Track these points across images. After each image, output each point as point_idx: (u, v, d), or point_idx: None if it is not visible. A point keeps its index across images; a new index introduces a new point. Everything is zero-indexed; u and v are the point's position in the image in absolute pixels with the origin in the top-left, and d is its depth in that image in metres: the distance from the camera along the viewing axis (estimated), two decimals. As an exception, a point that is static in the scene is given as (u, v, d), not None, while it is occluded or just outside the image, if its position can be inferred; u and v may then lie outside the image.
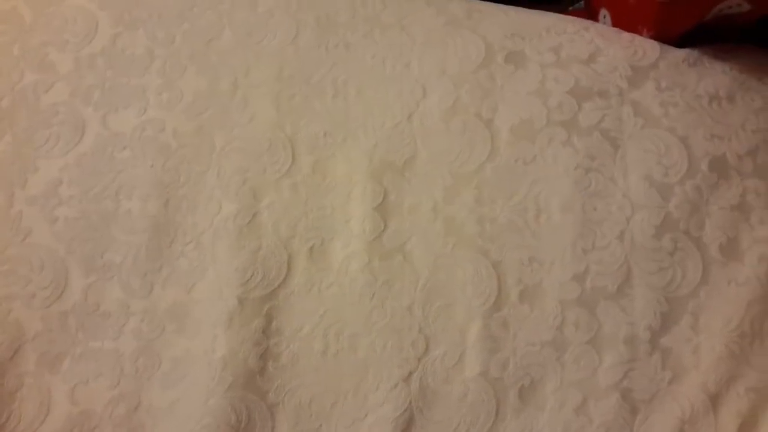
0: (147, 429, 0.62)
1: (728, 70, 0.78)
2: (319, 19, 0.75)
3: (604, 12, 0.83)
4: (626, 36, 0.79)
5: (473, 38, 0.76)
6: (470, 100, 0.73)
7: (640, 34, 0.79)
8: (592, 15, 0.87)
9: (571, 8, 0.91)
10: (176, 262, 0.66)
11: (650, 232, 0.69)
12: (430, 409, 0.64)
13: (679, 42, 0.79)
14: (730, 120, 0.75)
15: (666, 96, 0.75)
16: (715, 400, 0.66)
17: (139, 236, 0.66)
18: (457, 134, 0.72)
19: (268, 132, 0.70)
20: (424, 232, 0.69)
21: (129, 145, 0.69)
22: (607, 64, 0.76)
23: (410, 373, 0.65)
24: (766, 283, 0.69)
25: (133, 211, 0.67)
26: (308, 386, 0.64)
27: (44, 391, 0.62)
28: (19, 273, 0.64)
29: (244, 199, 0.67)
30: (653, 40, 0.78)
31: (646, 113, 0.74)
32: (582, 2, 0.92)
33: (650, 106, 0.74)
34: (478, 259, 0.68)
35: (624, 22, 0.81)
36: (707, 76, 0.77)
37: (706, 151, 0.72)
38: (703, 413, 0.65)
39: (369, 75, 0.74)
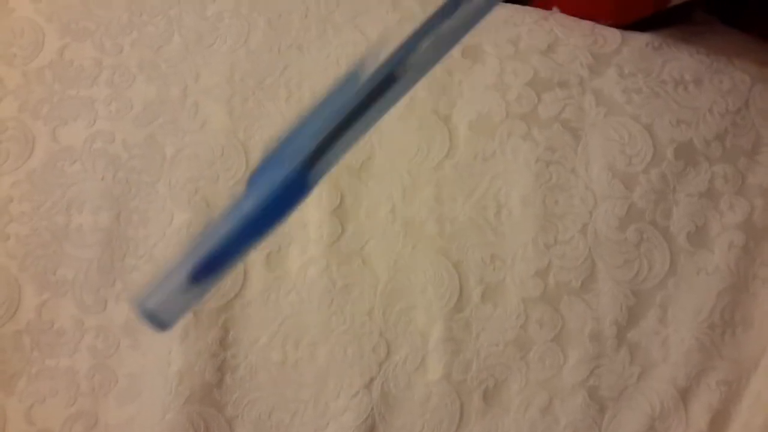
0: (105, 447, 0.62)
1: (695, 52, 0.76)
2: (270, 20, 0.74)
3: (555, 9, 0.81)
4: (586, 24, 0.77)
5: (429, 33, 0.74)
6: (427, 97, 0.71)
7: (599, 22, 0.77)
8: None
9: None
10: (129, 276, 0.65)
11: (614, 224, 0.67)
12: (392, 414, 0.63)
13: (641, 25, 0.77)
14: (697, 104, 0.72)
15: (629, 82, 0.73)
16: (685, 395, 0.64)
17: (91, 251, 0.65)
18: (414, 132, 0.70)
19: (220, 138, 0.69)
20: (383, 234, 0.67)
21: (79, 158, 0.68)
22: (567, 54, 0.74)
23: (371, 380, 0.64)
24: (736, 271, 0.67)
25: (85, 226, 0.66)
26: (267, 397, 0.63)
27: (-1, 413, 0.62)
28: (-30, 294, 0.64)
29: (197, 208, 0.66)
30: (614, 28, 0.76)
31: (608, 101, 0.72)
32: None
33: (613, 94, 0.72)
34: (438, 259, 0.67)
35: (577, 15, 0.79)
36: (672, 60, 0.75)
37: (672, 138, 0.70)
38: (674, 409, 0.64)
39: (323, 76, 0.72)
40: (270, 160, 0.30)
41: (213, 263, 0.28)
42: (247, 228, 0.28)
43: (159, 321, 0.28)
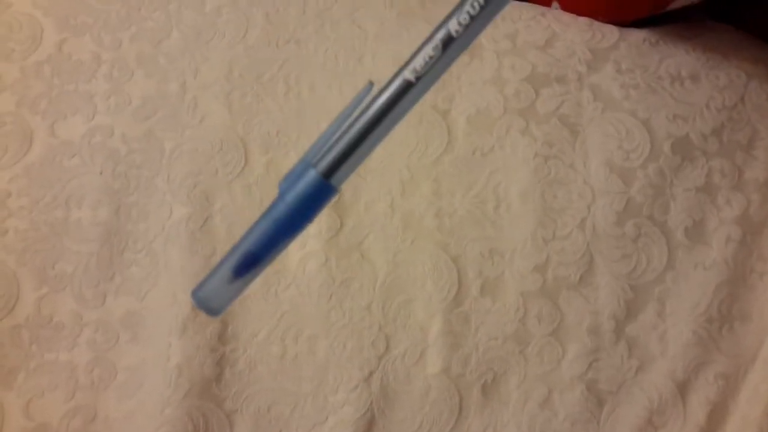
0: (104, 441, 0.62)
1: (691, 49, 0.76)
2: (268, 15, 0.74)
3: (555, 5, 0.81)
4: (584, 20, 0.77)
5: (427, 29, 0.74)
6: (425, 92, 0.71)
7: (597, 20, 0.77)
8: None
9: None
10: (128, 271, 0.65)
11: (612, 219, 0.67)
12: (391, 408, 0.63)
13: (640, 22, 0.77)
14: (693, 100, 0.73)
15: (626, 78, 0.73)
16: (683, 388, 0.64)
17: (90, 245, 0.65)
18: (413, 127, 0.70)
19: (219, 133, 0.69)
20: (382, 228, 0.67)
21: (78, 153, 0.67)
22: (564, 49, 0.74)
23: (371, 373, 0.64)
24: (733, 265, 0.67)
25: (84, 220, 0.66)
26: (267, 391, 0.63)
27: (-3, 408, 0.61)
28: (-31, 289, 0.63)
29: (196, 203, 0.66)
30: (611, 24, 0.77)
31: (606, 97, 0.72)
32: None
33: (610, 89, 0.72)
34: (437, 253, 0.67)
35: (576, 11, 0.79)
36: (669, 57, 0.75)
37: (669, 133, 0.71)
38: (672, 402, 0.64)
39: (321, 71, 0.72)
40: (298, 166, 0.33)
41: (251, 260, 0.33)
42: (280, 229, 0.33)
43: (210, 308, 0.33)
